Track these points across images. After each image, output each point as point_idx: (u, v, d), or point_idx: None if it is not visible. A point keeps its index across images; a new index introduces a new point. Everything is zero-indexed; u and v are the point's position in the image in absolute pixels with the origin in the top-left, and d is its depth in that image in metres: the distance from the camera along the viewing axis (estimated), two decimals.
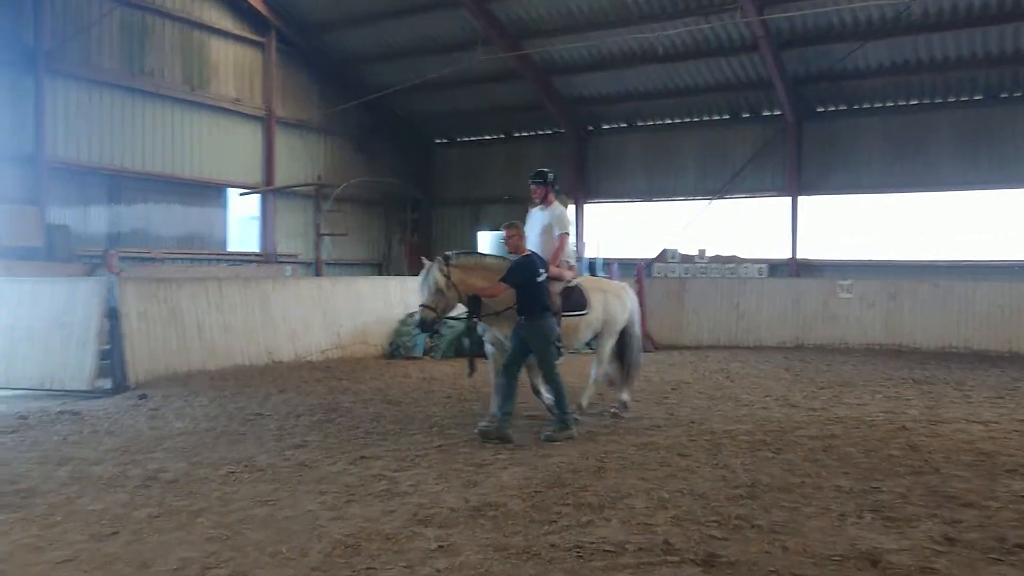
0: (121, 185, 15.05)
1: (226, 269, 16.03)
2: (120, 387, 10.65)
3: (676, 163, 19.31)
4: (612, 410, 8.97)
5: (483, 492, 5.92)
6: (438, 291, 7.72)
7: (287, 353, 13.13)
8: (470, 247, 21.74)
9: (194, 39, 16.30)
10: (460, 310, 8.38)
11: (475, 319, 7.98)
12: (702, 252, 18.14)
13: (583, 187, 20.11)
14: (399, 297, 15.10)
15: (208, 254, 16.47)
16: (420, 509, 5.52)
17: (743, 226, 18.82)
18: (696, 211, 18.76)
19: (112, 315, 10.86)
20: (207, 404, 9.69)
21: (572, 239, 9.36)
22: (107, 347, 10.94)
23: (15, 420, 8.66)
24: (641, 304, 16.57)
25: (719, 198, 18.64)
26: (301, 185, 18.17)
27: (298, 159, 18.79)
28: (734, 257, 18.01)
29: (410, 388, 11.13)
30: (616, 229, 20.04)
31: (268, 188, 17.65)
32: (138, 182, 15.33)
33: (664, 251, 18.61)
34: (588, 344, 9.26)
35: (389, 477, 6.37)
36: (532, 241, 8.51)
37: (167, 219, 15.89)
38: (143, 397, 10.02)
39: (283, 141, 18.22)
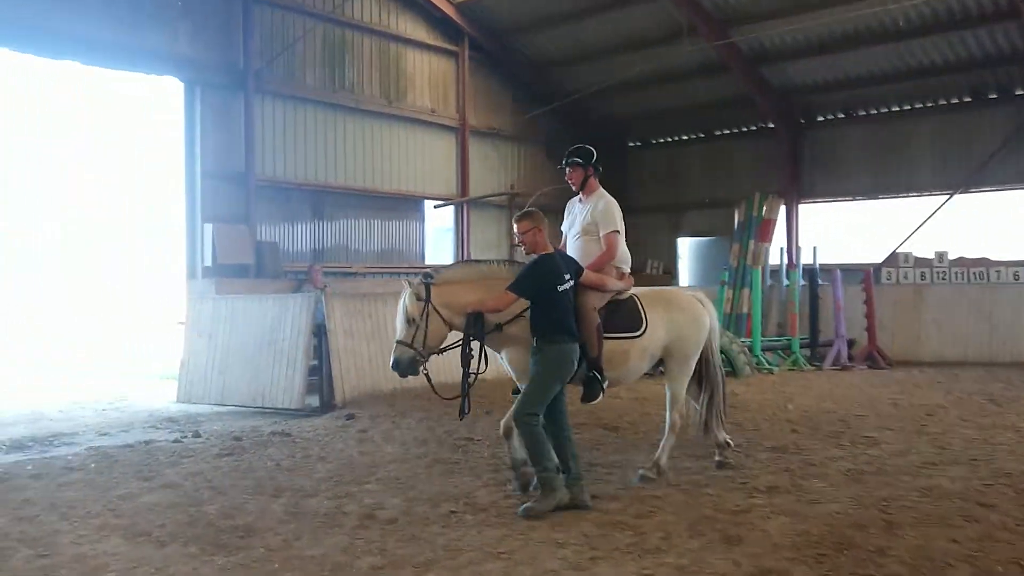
0: (324, 201, 15.19)
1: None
2: (327, 406, 10.44)
3: (907, 155, 17.09)
4: (717, 459, 6.97)
5: (752, 552, 4.83)
6: (410, 322, 5.94)
7: (488, 370, 12.51)
8: (670, 256, 20.53)
9: (391, 51, 16.29)
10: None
11: (471, 344, 5.95)
12: (942, 255, 15.90)
13: (796, 186, 18.32)
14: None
15: (406, 268, 16.33)
16: (684, 575, 4.53)
17: (993, 223, 16.34)
18: (933, 208, 16.54)
19: (319, 332, 10.72)
20: (414, 426, 9.21)
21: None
22: (315, 363, 10.81)
23: (231, 441, 8.51)
24: (869, 315, 14.94)
25: (962, 192, 16.31)
26: (494, 195, 17.75)
27: (491, 168, 18.42)
28: (983, 259, 15.64)
29: (623, 410, 10.20)
30: (836, 232, 18.10)
31: (462, 199, 17.35)
32: (339, 197, 15.44)
33: (895, 255, 16.52)
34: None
35: (632, 525, 5.42)
36: (570, 244, 6.74)
37: (366, 233, 15.92)
38: (350, 417, 9.70)
39: (476, 151, 17.91)
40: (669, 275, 20.07)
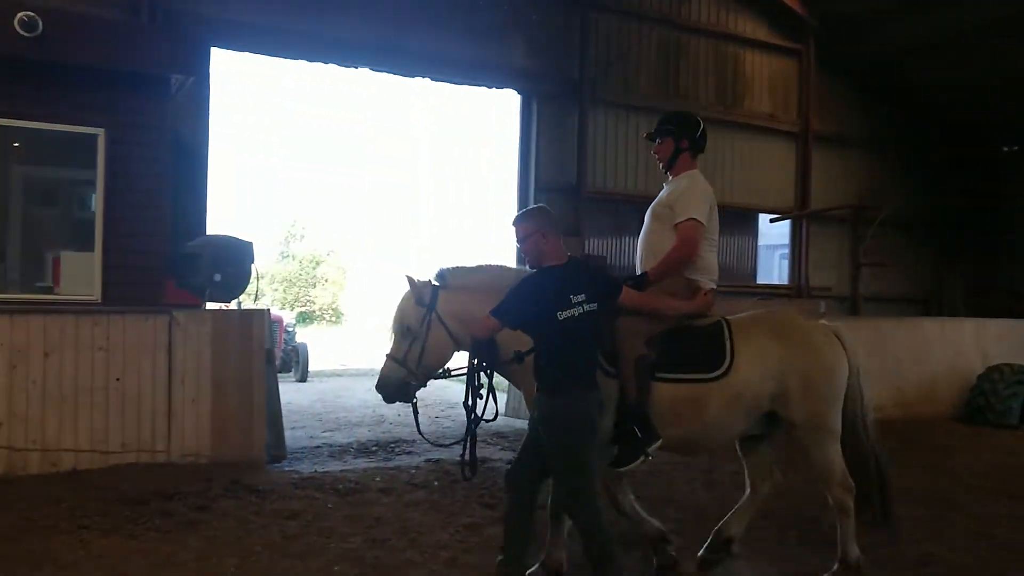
0: None
1: (755, 303, 14.42)
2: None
3: None
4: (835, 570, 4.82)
5: None
6: (404, 332, 4.55)
7: None
8: None
9: (727, 53, 15.22)
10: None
11: (481, 376, 4.51)
12: None
13: None
14: (974, 344, 12.09)
15: (737, 286, 15.12)
16: None
17: None
18: None
19: None
20: None
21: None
22: None
23: None
24: None
25: None
26: (838, 208, 15.87)
27: (834, 178, 16.54)
28: None
29: None
30: None
31: (802, 212, 15.72)
32: None
33: None
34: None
35: None
36: (644, 236, 5.05)
37: None
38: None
39: (819, 159, 16.17)
40: None
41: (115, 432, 7.16)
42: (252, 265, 8.65)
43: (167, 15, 9.78)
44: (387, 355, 4.59)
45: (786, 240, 16.63)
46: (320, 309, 36.03)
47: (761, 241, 16.37)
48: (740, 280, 15.38)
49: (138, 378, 7.32)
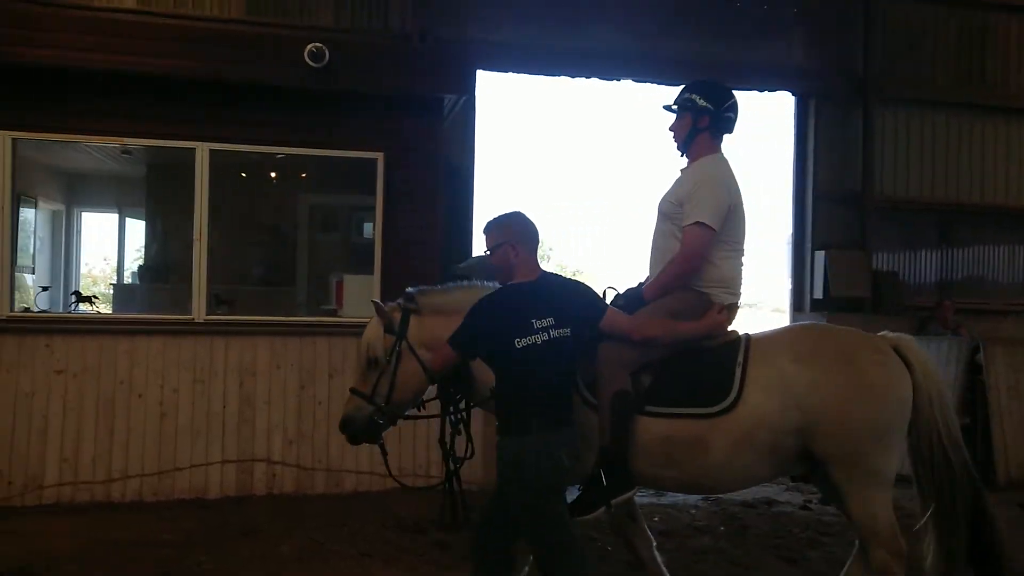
0: (952, 223, 12.61)
1: None
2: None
3: None
4: None
5: None
6: (371, 363, 3.89)
7: None
8: None
9: None
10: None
11: (456, 414, 4.06)
12: None
13: None
14: None
15: (1017, 304, 12.74)
16: None
17: None
18: None
19: (970, 385, 8.60)
20: None
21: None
22: (966, 423, 8.65)
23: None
24: None
25: None
26: None
27: None
28: None
29: None
30: None
31: None
32: (973, 218, 12.68)
33: None
34: None
35: None
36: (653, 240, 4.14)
37: (1007, 262, 12.81)
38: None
39: None
40: None
41: (392, 456, 7.14)
42: None
43: (436, 40, 9.93)
44: (351, 390, 4.03)
45: None
46: None
47: None
48: (1021, 298, 12.90)
49: None
